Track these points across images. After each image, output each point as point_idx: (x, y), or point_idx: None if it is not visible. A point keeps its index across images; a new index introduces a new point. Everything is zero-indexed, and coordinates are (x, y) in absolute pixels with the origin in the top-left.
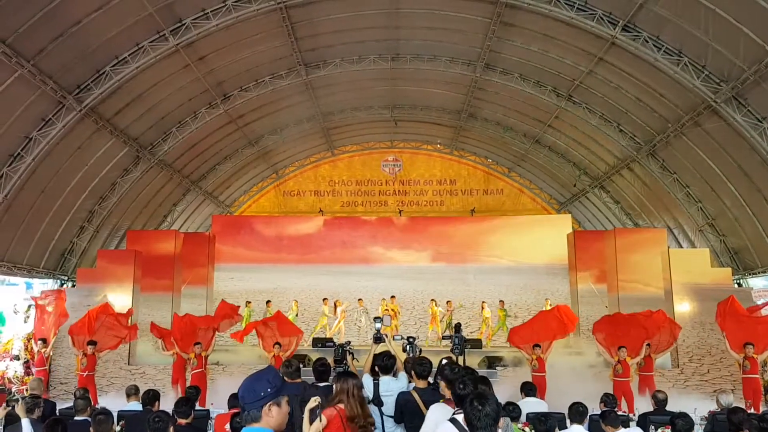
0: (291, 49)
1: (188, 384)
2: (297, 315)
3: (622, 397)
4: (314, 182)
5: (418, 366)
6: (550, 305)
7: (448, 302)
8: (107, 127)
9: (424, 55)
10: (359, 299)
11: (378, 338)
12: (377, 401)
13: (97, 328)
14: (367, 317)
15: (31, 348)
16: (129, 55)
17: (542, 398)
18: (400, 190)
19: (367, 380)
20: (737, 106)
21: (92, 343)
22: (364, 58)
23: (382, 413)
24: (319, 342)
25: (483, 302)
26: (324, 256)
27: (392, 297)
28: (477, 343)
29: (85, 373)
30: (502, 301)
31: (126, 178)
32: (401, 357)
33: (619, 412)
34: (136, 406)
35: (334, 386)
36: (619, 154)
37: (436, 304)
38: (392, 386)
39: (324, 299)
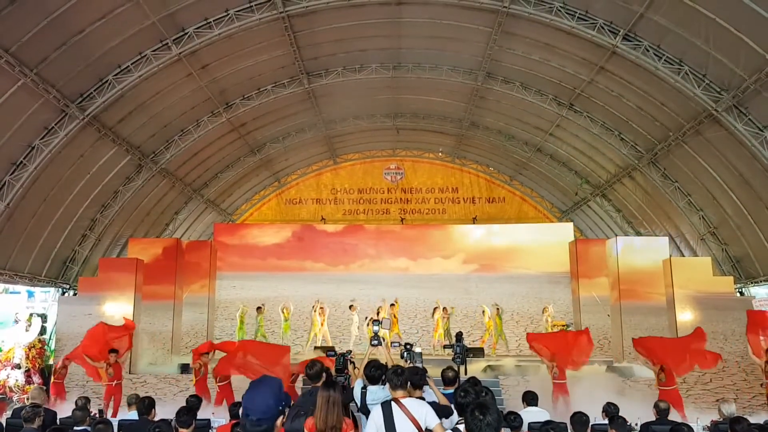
0: (293, 58)
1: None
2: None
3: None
4: (316, 190)
5: (392, 375)
6: (550, 316)
7: (444, 308)
8: (110, 136)
9: (425, 64)
10: (351, 305)
11: (375, 341)
12: (364, 410)
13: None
14: (358, 323)
15: (33, 357)
16: (132, 64)
17: (567, 404)
18: (402, 198)
19: (357, 387)
20: (738, 115)
21: (114, 351)
22: (366, 67)
23: None
24: (321, 350)
25: (483, 307)
26: (326, 264)
27: (392, 304)
28: (479, 352)
29: (114, 383)
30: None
31: (128, 187)
32: (397, 364)
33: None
34: (137, 415)
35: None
36: (621, 162)
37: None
38: (379, 395)
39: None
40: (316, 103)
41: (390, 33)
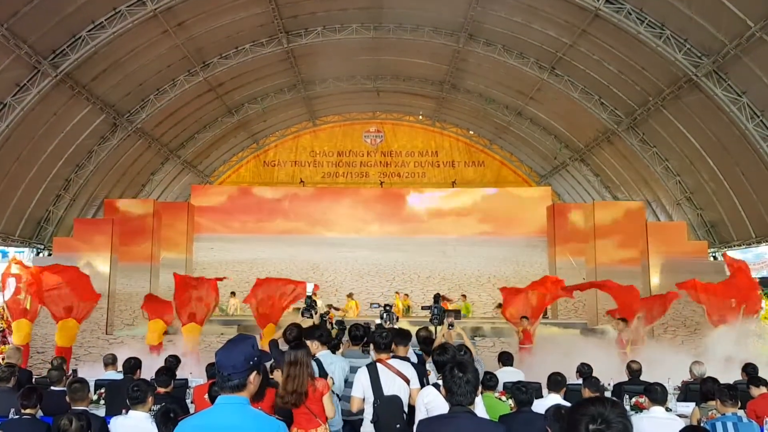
0: (272, 16)
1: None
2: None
3: None
4: (295, 152)
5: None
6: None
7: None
8: (83, 94)
9: (407, 24)
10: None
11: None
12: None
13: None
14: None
15: (7, 317)
16: (106, 20)
17: (530, 367)
18: (381, 162)
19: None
20: (718, 80)
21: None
22: (347, 27)
23: None
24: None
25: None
26: (304, 227)
27: (405, 295)
28: (457, 314)
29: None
30: (464, 295)
31: (103, 146)
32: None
33: None
34: (113, 375)
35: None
36: (600, 127)
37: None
38: (331, 359)
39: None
40: (296, 64)
41: None
